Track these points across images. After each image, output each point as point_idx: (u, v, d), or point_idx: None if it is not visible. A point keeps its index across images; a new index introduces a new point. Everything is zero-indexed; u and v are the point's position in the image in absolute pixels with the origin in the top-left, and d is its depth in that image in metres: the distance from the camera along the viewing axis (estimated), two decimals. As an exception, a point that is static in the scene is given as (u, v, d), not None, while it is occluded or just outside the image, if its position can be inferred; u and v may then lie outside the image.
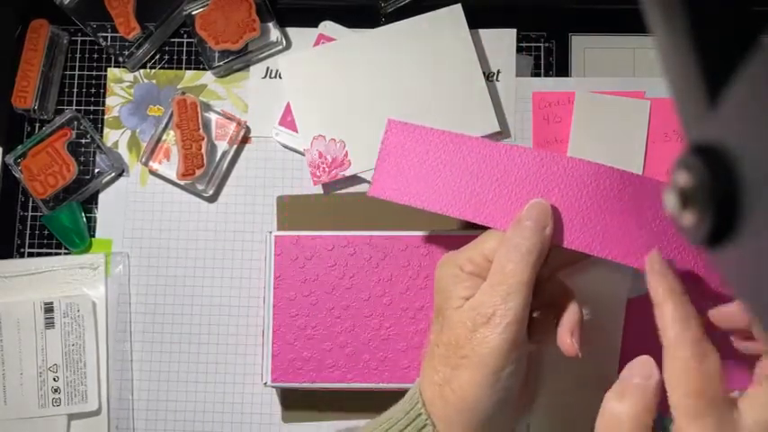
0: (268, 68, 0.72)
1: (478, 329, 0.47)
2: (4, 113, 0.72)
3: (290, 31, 0.72)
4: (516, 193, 0.51)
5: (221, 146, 0.70)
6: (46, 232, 0.71)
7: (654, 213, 0.50)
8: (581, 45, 0.71)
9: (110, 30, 0.72)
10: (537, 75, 0.71)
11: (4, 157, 0.70)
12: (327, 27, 0.71)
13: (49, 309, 0.67)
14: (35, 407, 0.66)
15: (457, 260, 0.51)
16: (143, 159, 0.70)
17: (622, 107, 0.68)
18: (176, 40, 0.73)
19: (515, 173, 0.51)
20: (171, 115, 0.69)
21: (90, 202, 0.71)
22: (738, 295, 0.25)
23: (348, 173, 0.68)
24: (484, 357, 0.46)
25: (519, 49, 0.71)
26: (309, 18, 0.71)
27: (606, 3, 0.71)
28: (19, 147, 0.70)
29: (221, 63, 0.71)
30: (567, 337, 0.49)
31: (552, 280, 0.53)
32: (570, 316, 0.50)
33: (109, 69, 0.73)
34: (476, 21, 0.69)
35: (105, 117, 0.72)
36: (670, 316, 0.41)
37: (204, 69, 0.72)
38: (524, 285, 0.47)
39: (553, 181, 0.50)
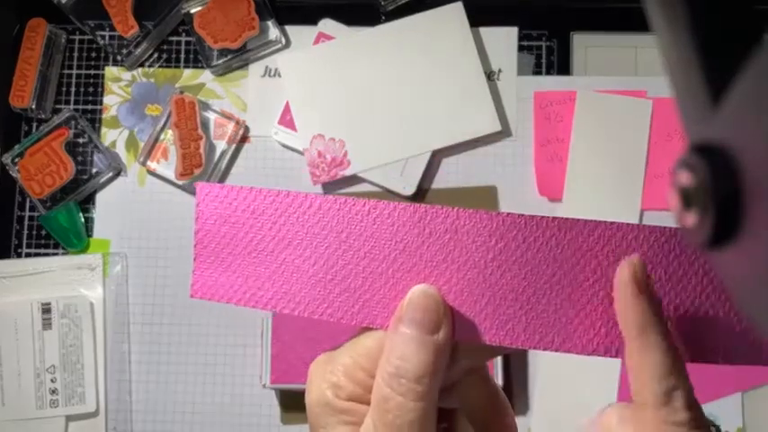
0: (267, 67, 0.71)
1: None
2: (2, 112, 0.72)
3: (290, 29, 0.72)
4: (394, 271, 0.35)
5: (220, 145, 0.69)
6: (43, 232, 0.70)
7: (600, 272, 0.34)
8: (582, 44, 0.70)
9: (108, 28, 0.72)
10: (538, 73, 0.70)
11: (1, 156, 0.70)
12: (327, 25, 0.70)
13: (46, 309, 0.67)
14: (33, 408, 0.65)
15: (330, 375, 0.35)
16: (141, 159, 0.69)
17: (624, 106, 0.68)
18: (175, 38, 0.73)
19: (388, 242, 0.35)
20: (169, 114, 0.69)
21: (87, 202, 0.71)
22: (738, 297, 0.25)
23: (348, 172, 0.67)
24: None
25: (520, 48, 0.71)
26: (309, 16, 0.71)
27: (608, 1, 0.71)
28: (16, 146, 0.69)
29: (220, 62, 0.70)
30: None
31: (471, 381, 0.38)
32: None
33: (107, 68, 0.72)
34: (477, 19, 0.69)
35: (103, 116, 0.72)
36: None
37: (203, 68, 0.71)
38: (418, 426, 0.32)
39: (443, 247, 0.34)
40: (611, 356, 0.33)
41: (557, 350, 0.34)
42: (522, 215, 0.34)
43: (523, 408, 0.65)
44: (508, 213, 0.34)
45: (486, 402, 0.38)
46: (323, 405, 0.34)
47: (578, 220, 0.34)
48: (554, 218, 0.34)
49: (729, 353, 0.34)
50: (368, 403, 0.34)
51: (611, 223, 0.34)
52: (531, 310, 0.34)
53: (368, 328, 0.35)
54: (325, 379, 0.35)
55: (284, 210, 0.36)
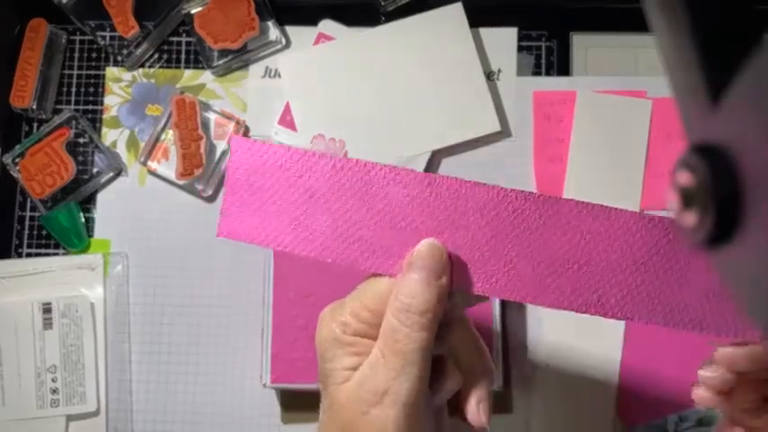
0: (267, 67, 0.71)
1: (371, 411, 0.38)
2: (3, 113, 0.72)
3: (290, 29, 0.72)
4: (404, 228, 0.41)
5: (220, 145, 0.69)
6: (44, 232, 0.70)
7: (580, 244, 0.41)
8: (582, 44, 0.71)
9: (108, 29, 0.72)
10: (538, 74, 0.71)
11: (2, 156, 0.70)
12: (327, 26, 0.71)
13: (47, 309, 0.67)
14: (33, 408, 0.65)
15: (338, 316, 0.41)
16: (141, 159, 0.69)
17: (624, 106, 0.68)
18: (175, 39, 0.73)
19: (400, 202, 0.41)
20: (170, 115, 0.69)
21: (88, 202, 0.71)
22: (737, 296, 0.25)
23: (348, 172, 0.67)
24: None
25: (520, 48, 0.71)
26: (309, 16, 0.71)
27: (608, 1, 0.71)
28: (17, 146, 0.70)
29: (220, 62, 0.70)
30: (473, 407, 0.43)
31: (458, 325, 0.44)
32: (479, 385, 0.43)
33: (107, 68, 0.72)
34: (476, 19, 0.69)
35: (104, 116, 0.72)
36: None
37: (203, 68, 0.71)
38: (421, 353, 0.38)
39: (446, 211, 0.40)
40: (576, 311, 0.40)
41: (530, 302, 0.40)
42: (514, 190, 0.40)
43: (523, 408, 0.65)
44: (502, 188, 0.40)
45: (469, 345, 0.44)
46: (332, 340, 0.40)
47: (564, 199, 0.40)
48: (540, 194, 0.40)
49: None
50: (371, 338, 0.39)
51: (588, 204, 0.41)
52: (513, 268, 0.40)
53: (373, 277, 0.41)
54: (334, 319, 0.40)
55: (310, 167, 0.41)
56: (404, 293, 0.38)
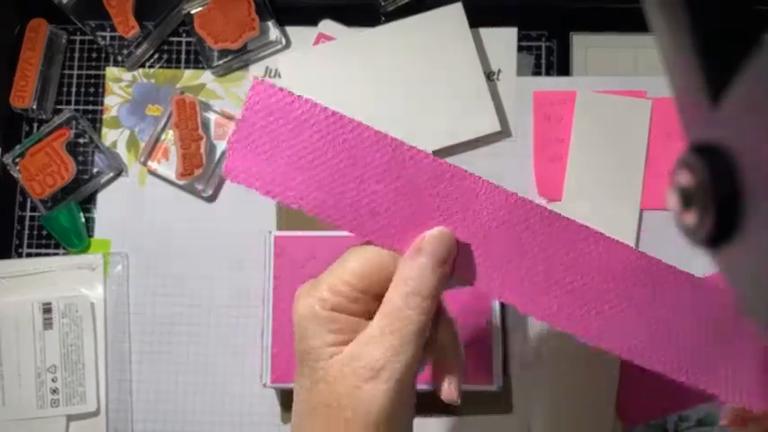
0: (267, 68, 0.71)
1: (364, 386, 0.39)
2: (3, 113, 0.72)
3: (290, 30, 0.72)
4: (416, 210, 0.41)
5: (220, 145, 0.69)
6: (44, 232, 0.70)
7: (580, 265, 0.41)
8: (582, 44, 0.71)
9: (108, 29, 0.72)
10: (538, 74, 0.71)
11: (2, 156, 0.70)
12: (327, 26, 0.71)
13: (47, 309, 0.67)
14: (33, 408, 0.65)
15: (315, 292, 0.41)
16: (142, 159, 0.69)
17: (624, 106, 0.68)
18: (175, 39, 0.73)
19: (419, 185, 0.41)
20: (170, 115, 0.69)
21: (88, 202, 0.71)
22: (737, 296, 0.25)
23: (348, 172, 0.68)
24: (370, 418, 0.39)
25: (520, 48, 0.71)
26: (309, 17, 0.71)
27: (608, 1, 0.71)
28: (17, 146, 0.70)
29: (220, 62, 0.70)
30: (446, 386, 0.45)
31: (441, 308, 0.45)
32: (451, 365, 0.45)
33: (107, 68, 0.73)
34: (476, 20, 0.69)
35: (104, 116, 0.72)
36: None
37: (203, 68, 0.72)
38: (420, 335, 0.40)
39: (462, 204, 0.41)
40: (560, 329, 0.41)
41: (519, 309, 0.41)
42: (530, 201, 0.41)
43: (523, 408, 0.65)
44: (519, 196, 0.41)
45: (447, 328, 0.45)
46: (310, 317, 0.40)
47: (574, 222, 0.41)
48: (551, 212, 0.41)
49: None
50: (349, 313, 0.41)
51: (595, 232, 0.41)
52: (511, 272, 0.41)
53: (350, 253, 0.41)
54: (310, 295, 0.41)
55: (332, 128, 0.40)
56: (412, 277, 0.40)
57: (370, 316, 0.41)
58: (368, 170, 0.40)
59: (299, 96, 0.40)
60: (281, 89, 0.39)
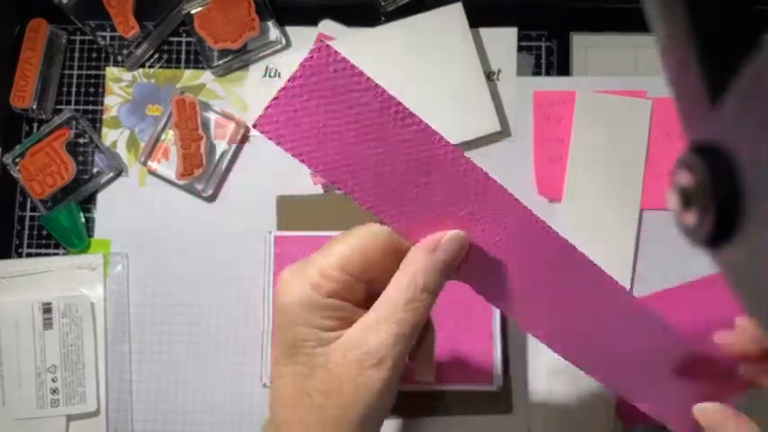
0: (267, 68, 0.71)
1: (365, 372, 0.40)
2: (3, 113, 0.72)
3: (290, 29, 0.72)
4: (440, 207, 0.41)
5: (220, 145, 0.69)
6: (44, 232, 0.70)
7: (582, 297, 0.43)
8: (582, 44, 0.71)
9: (108, 29, 0.72)
10: (538, 74, 0.71)
11: (2, 156, 0.70)
12: (327, 26, 0.71)
13: (47, 309, 0.67)
14: (33, 408, 0.65)
15: (306, 277, 0.41)
16: (142, 159, 0.69)
17: (624, 106, 0.68)
18: (175, 39, 0.73)
19: (450, 184, 0.41)
20: (170, 115, 0.69)
21: (88, 202, 0.71)
22: (738, 295, 0.25)
23: (348, 172, 0.68)
24: (367, 403, 0.40)
25: (520, 48, 0.71)
26: (309, 17, 0.71)
27: (608, 1, 0.71)
28: (17, 146, 0.70)
29: (220, 62, 0.70)
30: (423, 366, 0.48)
31: None
32: (426, 348, 0.47)
33: (107, 68, 0.73)
34: (476, 19, 0.69)
35: (104, 116, 0.72)
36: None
37: (203, 68, 0.72)
38: (420, 327, 0.41)
39: (483, 209, 0.42)
40: (548, 347, 0.44)
41: (518, 323, 0.43)
42: (550, 228, 0.42)
43: (523, 408, 0.65)
44: (539, 219, 0.42)
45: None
46: (305, 303, 0.41)
47: (586, 260, 0.42)
48: (569, 245, 0.42)
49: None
50: (342, 299, 0.41)
51: (601, 273, 0.43)
52: (513, 285, 0.42)
53: (339, 237, 0.42)
54: (301, 281, 0.41)
55: (380, 112, 0.39)
56: (425, 273, 0.40)
57: (357, 300, 0.42)
58: (407, 161, 0.40)
59: (360, 72, 0.39)
60: (344, 59, 0.38)
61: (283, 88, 0.38)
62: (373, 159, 0.40)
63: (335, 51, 0.38)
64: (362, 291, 0.42)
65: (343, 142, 0.39)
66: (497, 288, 0.43)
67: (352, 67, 0.38)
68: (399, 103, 0.40)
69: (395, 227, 0.41)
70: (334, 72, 0.38)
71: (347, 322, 0.41)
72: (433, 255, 0.41)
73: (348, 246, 0.41)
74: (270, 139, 0.39)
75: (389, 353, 0.40)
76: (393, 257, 0.42)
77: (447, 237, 0.41)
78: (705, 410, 0.44)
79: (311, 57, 0.37)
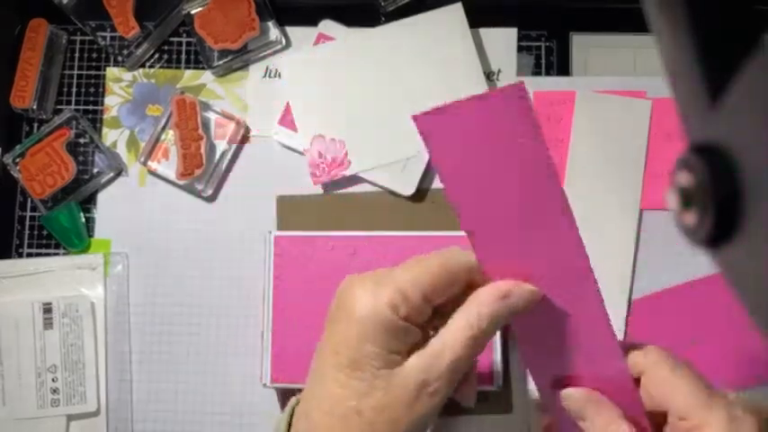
0: (267, 68, 0.71)
1: (421, 399, 0.40)
2: (3, 113, 0.72)
3: (290, 30, 0.72)
4: (532, 259, 0.42)
5: (220, 145, 0.69)
6: (44, 232, 0.70)
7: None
8: (582, 44, 0.71)
9: (109, 29, 0.72)
10: (537, 74, 0.71)
11: (2, 156, 0.70)
12: (327, 26, 0.71)
13: (47, 309, 0.67)
14: (34, 407, 0.65)
15: (384, 293, 0.40)
16: (142, 159, 0.69)
17: (624, 107, 0.68)
18: (175, 39, 0.73)
19: (552, 249, 0.41)
20: (170, 115, 0.69)
21: (89, 202, 0.71)
22: (738, 295, 0.25)
23: (348, 172, 0.68)
24: (415, 423, 0.41)
25: (519, 49, 0.71)
26: (309, 17, 0.71)
27: (608, 1, 0.71)
28: (17, 146, 0.70)
29: (220, 62, 0.70)
30: (468, 390, 0.48)
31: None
32: (470, 372, 0.47)
33: (108, 69, 0.73)
34: (476, 20, 0.69)
35: (104, 116, 0.72)
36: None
37: (203, 69, 0.72)
38: (471, 362, 0.42)
39: (562, 285, 0.42)
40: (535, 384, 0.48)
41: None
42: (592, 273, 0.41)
43: (523, 408, 0.65)
44: (590, 270, 0.41)
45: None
46: (381, 322, 0.40)
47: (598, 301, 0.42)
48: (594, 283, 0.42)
49: None
50: (412, 322, 0.41)
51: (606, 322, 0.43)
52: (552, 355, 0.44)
53: (424, 266, 0.41)
54: (377, 297, 0.40)
55: (533, 163, 0.40)
56: (491, 316, 0.41)
57: (422, 323, 0.42)
58: (530, 210, 0.40)
59: (536, 122, 0.39)
60: (529, 103, 0.39)
61: (471, 98, 0.39)
62: (500, 193, 0.40)
63: (526, 91, 0.39)
64: (429, 313, 0.42)
65: (483, 169, 0.40)
66: (536, 354, 0.45)
67: (532, 111, 0.39)
68: (553, 164, 0.40)
69: (482, 259, 0.41)
70: (515, 109, 0.39)
71: (414, 347, 0.41)
72: (503, 301, 0.41)
73: (433, 271, 0.41)
74: (426, 136, 0.40)
75: (445, 384, 0.40)
76: (463, 286, 0.42)
77: (527, 289, 0.41)
78: (569, 396, 0.44)
79: (505, 89, 0.39)
